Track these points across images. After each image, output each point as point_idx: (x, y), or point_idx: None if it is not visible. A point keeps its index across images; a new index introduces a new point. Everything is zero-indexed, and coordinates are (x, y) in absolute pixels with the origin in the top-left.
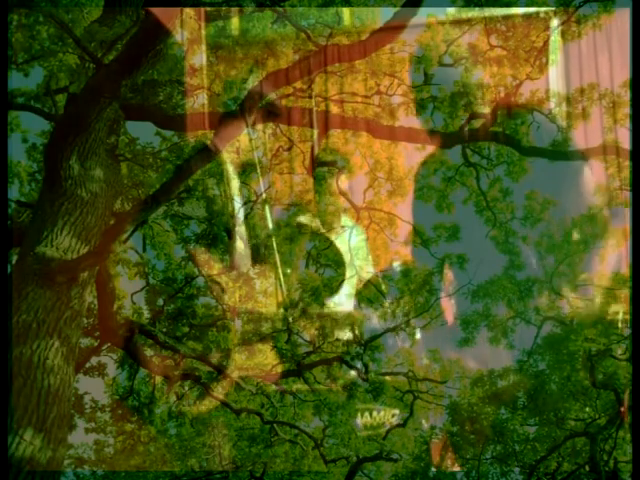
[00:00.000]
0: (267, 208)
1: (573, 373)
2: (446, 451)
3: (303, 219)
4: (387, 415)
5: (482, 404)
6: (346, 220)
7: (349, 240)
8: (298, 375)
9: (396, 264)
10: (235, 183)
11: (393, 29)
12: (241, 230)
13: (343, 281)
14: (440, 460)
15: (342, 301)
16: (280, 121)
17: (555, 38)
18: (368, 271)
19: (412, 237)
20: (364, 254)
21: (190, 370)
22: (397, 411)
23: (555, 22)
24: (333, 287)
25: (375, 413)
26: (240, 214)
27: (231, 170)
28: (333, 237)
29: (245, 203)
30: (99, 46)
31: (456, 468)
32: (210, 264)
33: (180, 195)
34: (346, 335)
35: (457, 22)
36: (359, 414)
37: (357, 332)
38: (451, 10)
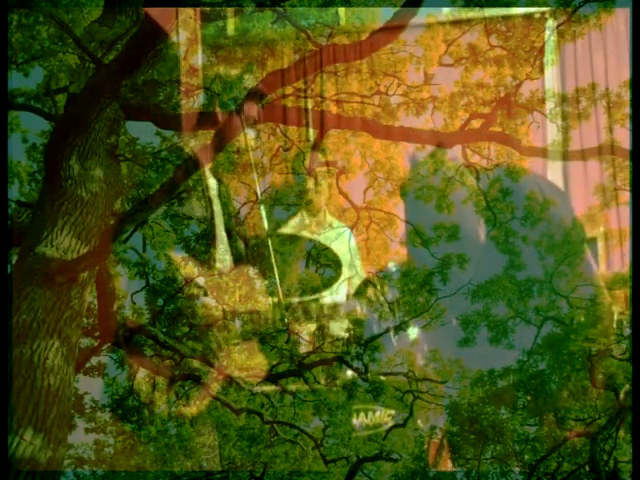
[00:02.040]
0: (262, 208)
1: (573, 373)
2: (443, 450)
3: (294, 223)
4: (384, 416)
5: (482, 404)
6: (346, 220)
7: (349, 240)
8: (298, 375)
9: (392, 264)
10: (234, 183)
11: (393, 29)
12: (241, 230)
13: (342, 281)
14: (437, 460)
15: (338, 298)
16: (280, 121)
17: (555, 38)
18: (368, 271)
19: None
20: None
21: (190, 370)
22: (393, 412)
23: (555, 22)
24: (333, 287)
25: (372, 413)
26: (240, 214)
27: (230, 170)
28: (333, 237)
29: (245, 203)
30: (99, 46)
31: (455, 468)
32: (210, 264)
33: (180, 195)
34: (346, 335)
35: (457, 22)
36: (357, 414)
37: (357, 332)
38: (451, 10)
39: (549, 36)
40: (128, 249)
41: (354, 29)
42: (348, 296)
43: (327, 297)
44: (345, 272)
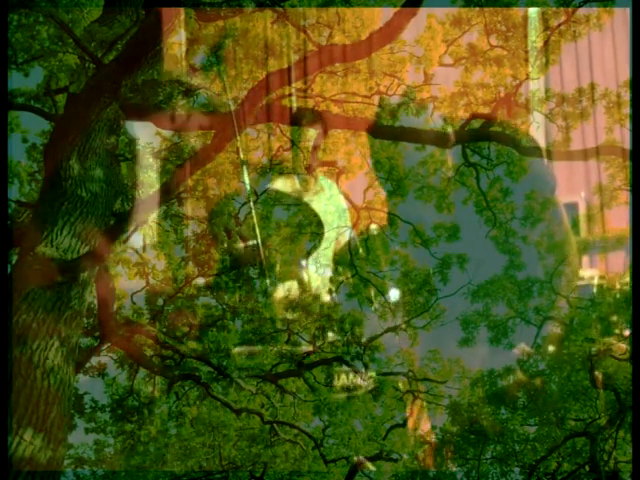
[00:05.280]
0: (245, 172)
1: (573, 373)
2: (428, 449)
3: (280, 184)
4: (362, 379)
5: (482, 404)
6: (346, 220)
7: (349, 240)
8: (298, 375)
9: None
10: (234, 183)
11: (393, 29)
12: (241, 230)
13: (342, 281)
14: (425, 461)
15: (338, 298)
16: (280, 121)
17: (555, 38)
18: (368, 271)
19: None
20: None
21: (190, 370)
22: (374, 374)
23: (555, 22)
24: (333, 287)
25: (351, 376)
26: (240, 214)
27: (231, 170)
28: (333, 237)
29: (245, 203)
30: (99, 46)
31: (454, 468)
32: (210, 264)
33: (180, 195)
34: (346, 335)
35: (457, 22)
36: (336, 378)
37: (357, 332)
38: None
39: (550, 36)
40: (128, 249)
41: (354, 29)
42: (348, 296)
43: (327, 297)
44: (345, 272)
